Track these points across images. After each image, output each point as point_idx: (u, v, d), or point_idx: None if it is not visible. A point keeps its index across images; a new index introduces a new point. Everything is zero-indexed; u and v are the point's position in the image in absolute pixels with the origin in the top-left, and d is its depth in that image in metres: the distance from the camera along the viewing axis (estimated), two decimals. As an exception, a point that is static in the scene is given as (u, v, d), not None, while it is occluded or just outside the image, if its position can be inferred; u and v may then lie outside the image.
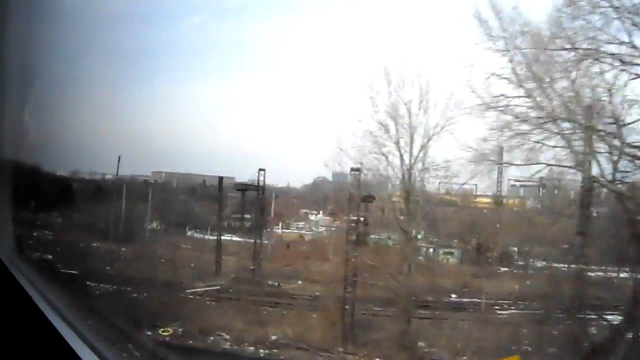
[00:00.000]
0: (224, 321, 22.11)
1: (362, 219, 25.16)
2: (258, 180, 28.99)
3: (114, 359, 4.84)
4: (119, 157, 29.73)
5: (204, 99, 34.21)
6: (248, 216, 33.66)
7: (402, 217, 21.78)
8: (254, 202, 31.67)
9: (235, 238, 32.32)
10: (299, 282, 27.62)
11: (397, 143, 20.81)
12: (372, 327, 21.51)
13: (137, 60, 32.95)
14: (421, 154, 20.71)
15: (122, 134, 31.67)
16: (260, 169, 28.71)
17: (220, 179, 30.26)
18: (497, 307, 24.78)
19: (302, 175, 38.81)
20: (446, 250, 30.55)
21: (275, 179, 33.65)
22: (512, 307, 24.81)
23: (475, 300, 25.21)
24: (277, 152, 34.80)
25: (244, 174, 30.45)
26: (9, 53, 5.89)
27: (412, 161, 20.81)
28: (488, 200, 30.28)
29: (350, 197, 24.77)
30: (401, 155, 20.78)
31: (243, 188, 30.16)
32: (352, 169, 23.98)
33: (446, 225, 29.98)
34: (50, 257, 22.94)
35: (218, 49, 36.88)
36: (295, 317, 22.63)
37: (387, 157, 21.04)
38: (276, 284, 26.94)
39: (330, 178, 37.73)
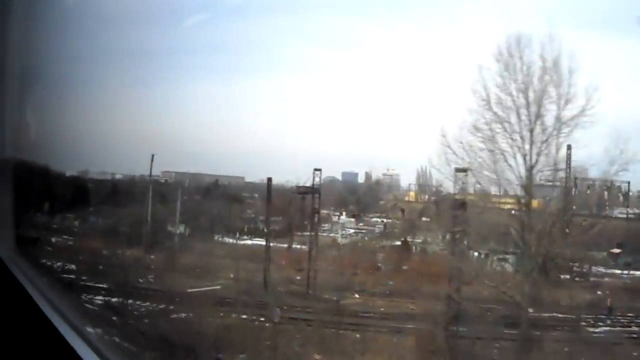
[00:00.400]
0: (296, 350, 18.04)
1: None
2: (313, 181, 26.47)
3: (115, 358, 4.58)
4: (152, 156, 27.52)
5: (213, 100, 32.60)
6: (276, 219, 30.66)
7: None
8: (290, 204, 29.59)
9: (262, 243, 28.69)
10: (356, 295, 23.90)
11: (515, 138, 17.08)
12: (480, 357, 17.77)
13: (146, 61, 31.73)
14: (547, 151, 17.07)
15: (132, 133, 31.00)
16: (316, 169, 26.42)
17: (269, 180, 27.49)
18: (584, 324, 21.51)
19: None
20: (499, 256, 26.49)
21: (286, 179, 31.97)
22: (601, 323, 21.77)
23: (556, 315, 21.67)
24: (289, 151, 32.75)
25: (255, 174, 30.02)
26: (14, 56, 6.14)
27: (534, 159, 17.13)
28: (511, 200, 28.81)
29: (455, 202, 20.93)
30: (522, 153, 17.07)
31: (304, 191, 27.08)
32: (456, 170, 20.04)
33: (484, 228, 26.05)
34: (73, 267, 18.93)
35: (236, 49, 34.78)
36: (377, 343, 18.74)
37: (503, 155, 17.24)
38: (334, 298, 22.95)
39: (339, 177, 35.69)
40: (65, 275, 20.00)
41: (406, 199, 34.42)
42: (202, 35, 30.17)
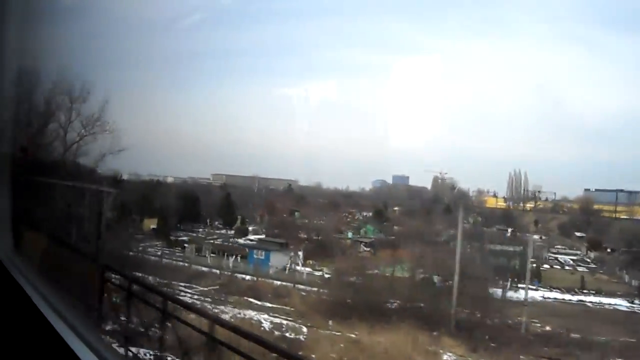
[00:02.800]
0: None
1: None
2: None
3: (112, 357, 4.49)
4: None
5: (254, 103, 32.05)
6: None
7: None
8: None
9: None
10: None
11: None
12: None
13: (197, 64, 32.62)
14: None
15: (176, 136, 30.09)
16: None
17: None
18: None
19: (355, 177, 32.62)
20: None
21: (330, 182, 30.72)
22: None
23: None
24: (329, 154, 30.94)
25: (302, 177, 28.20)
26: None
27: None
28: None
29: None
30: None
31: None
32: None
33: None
34: None
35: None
36: None
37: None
38: None
39: (389, 181, 33.04)
40: None
41: (486, 205, 29.11)
42: (235, 39, 30.31)
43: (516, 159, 25.73)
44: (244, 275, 22.02)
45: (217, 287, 20.39)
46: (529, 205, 27.71)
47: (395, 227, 27.17)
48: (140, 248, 20.17)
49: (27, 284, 4.43)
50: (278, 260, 23.71)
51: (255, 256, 23.89)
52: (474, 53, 28.66)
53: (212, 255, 24.23)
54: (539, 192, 25.27)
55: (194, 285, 19.88)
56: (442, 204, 28.80)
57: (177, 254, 24.03)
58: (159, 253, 22.53)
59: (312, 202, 29.82)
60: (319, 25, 32.11)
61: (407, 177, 32.00)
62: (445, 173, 28.71)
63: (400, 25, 32.17)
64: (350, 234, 26.93)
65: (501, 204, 29.16)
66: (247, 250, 24.56)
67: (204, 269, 22.42)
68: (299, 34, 33.36)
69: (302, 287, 21.52)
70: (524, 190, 27.93)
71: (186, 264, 22.83)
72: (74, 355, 3.44)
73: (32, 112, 17.48)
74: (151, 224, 23.51)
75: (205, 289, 20.07)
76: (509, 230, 26.23)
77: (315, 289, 21.15)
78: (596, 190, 25.46)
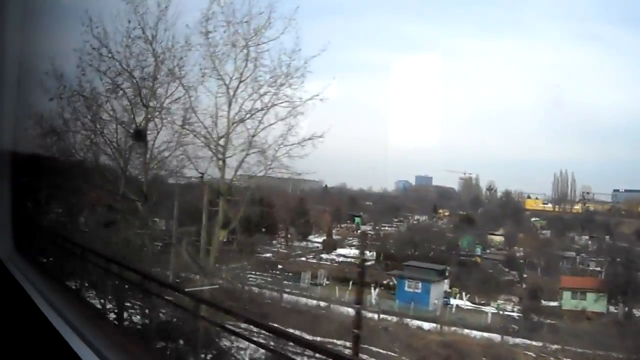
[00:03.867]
0: None
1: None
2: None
3: (113, 357, 4.12)
4: None
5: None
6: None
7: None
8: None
9: None
10: None
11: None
12: None
13: None
14: None
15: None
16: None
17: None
18: None
19: (373, 178, 28.92)
20: None
21: (349, 182, 27.52)
22: None
23: None
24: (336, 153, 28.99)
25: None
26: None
27: None
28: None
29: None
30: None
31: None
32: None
33: None
34: None
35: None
36: None
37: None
38: None
39: (413, 182, 30.34)
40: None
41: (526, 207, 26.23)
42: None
43: (528, 159, 24.07)
44: (415, 322, 15.04)
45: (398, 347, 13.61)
46: (578, 208, 25.48)
47: (495, 238, 22.72)
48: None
49: (28, 283, 4.48)
50: (437, 294, 17.55)
51: (407, 289, 17.33)
52: (486, 53, 28.14)
53: (327, 283, 17.80)
54: (588, 193, 23.19)
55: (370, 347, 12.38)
56: (482, 206, 27.30)
57: (284, 282, 17.95)
58: (257, 281, 16.06)
59: (363, 206, 26.41)
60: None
61: (431, 178, 30.47)
62: (471, 173, 26.72)
63: (416, 24, 31.86)
64: (479, 250, 21.90)
65: (545, 206, 27.29)
66: (394, 279, 18.18)
67: (343, 309, 14.66)
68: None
69: (512, 340, 14.41)
70: (572, 191, 25.95)
71: (319, 304, 15.80)
72: (74, 354, 3.46)
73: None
74: (221, 236, 17.46)
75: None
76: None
77: (534, 343, 14.29)
78: (625, 190, 23.18)
